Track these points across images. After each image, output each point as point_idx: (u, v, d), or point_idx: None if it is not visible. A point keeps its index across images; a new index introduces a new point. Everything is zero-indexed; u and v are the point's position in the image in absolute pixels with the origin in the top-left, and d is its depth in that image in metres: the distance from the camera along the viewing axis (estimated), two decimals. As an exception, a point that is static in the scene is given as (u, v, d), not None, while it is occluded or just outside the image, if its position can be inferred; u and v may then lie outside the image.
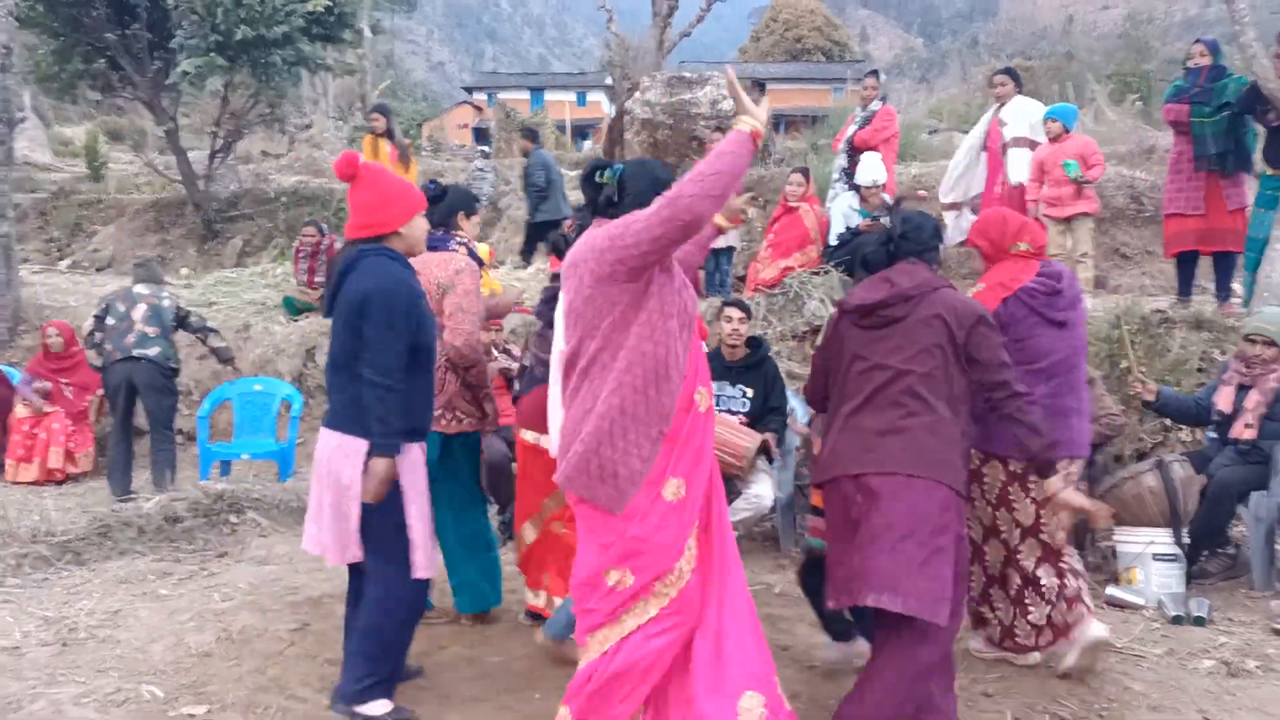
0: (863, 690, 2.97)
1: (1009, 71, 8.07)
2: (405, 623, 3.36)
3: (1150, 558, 4.58)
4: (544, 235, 10.78)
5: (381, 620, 3.28)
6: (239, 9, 11.57)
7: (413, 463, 3.29)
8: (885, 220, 3.39)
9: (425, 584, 3.36)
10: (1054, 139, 7.29)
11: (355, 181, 3.32)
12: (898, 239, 3.32)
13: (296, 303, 9.10)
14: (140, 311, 6.76)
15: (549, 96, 48.79)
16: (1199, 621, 4.24)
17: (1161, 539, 4.61)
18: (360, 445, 3.17)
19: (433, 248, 4.13)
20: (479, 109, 46.66)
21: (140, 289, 6.95)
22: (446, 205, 4.27)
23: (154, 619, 4.30)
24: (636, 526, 2.63)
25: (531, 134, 10.92)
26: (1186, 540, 4.75)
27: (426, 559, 3.30)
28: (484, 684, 3.65)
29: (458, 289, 4.03)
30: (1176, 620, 4.26)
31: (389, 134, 9.52)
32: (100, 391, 7.67)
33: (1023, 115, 7.63)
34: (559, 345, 3.09)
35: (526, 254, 10.69)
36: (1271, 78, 6.37)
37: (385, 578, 3.28)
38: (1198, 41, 7.10)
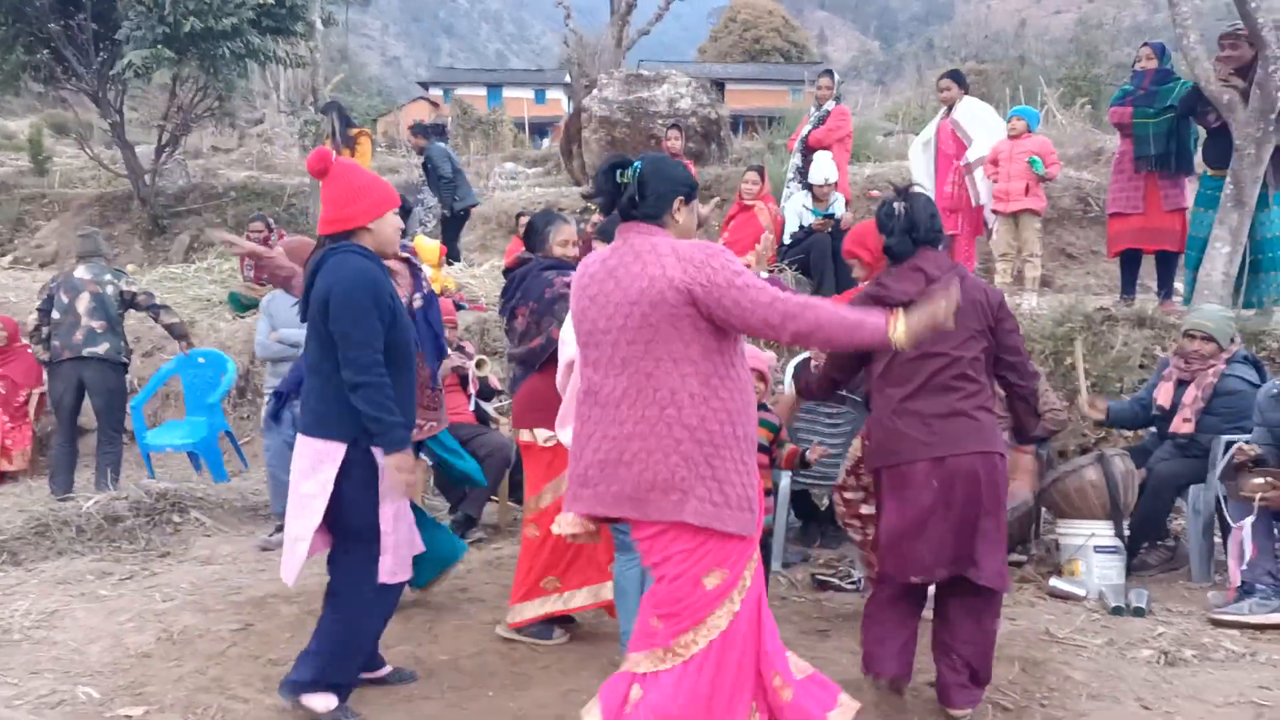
0: (960, 658, 3.29)
1: (953, 75, 8.16)
2: (365, 629, 3.30)
3: (1091, 550, 4.65)
4: (463, 225, 10.67)
5: (340, 621, 3.22)
6: (187, 0, 11.37)
7: None
8: (898, 205, 3.38)
9: (392, 591, 3.31)
10: (1015, 136, 7.39)
11: (327, 177, 3.27)
12: (926, 226, 3.33)
13: (242, 298, 8.96)
14: (85, 303, 6.39)
15: (507, 93, 48.56)
16: (1138, 612, 4.31)
17: (1102, 531, 4.69)
18: (336, 450, 3.12)
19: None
20: (435, 105, 46.29)
21: (81, 273, 6.55)
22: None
23: (92, 619, 4.22)
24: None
25: (422, 130, 10.75)
26: (1127, 533, 4.83)
27: (395, 564, 3.24)
28: (432, 682, 3.62)
29: None
30: (1117, 611, 4.33)
31: (331, 134, 9.49)
32: (40, 389, 7.48)
33: (977, 120, 7.70)
34: (569, 349, 3.12)
35: (454, 243, 10.48)
36: (1212, 80, 6.51)
37: (351, 578, 3.23)
38: (1145, 45, 7.24)
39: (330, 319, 3.07)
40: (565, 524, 2.85)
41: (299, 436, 3.23)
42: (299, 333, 4.97)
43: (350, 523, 3.17)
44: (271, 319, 5.71)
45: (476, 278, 9.45)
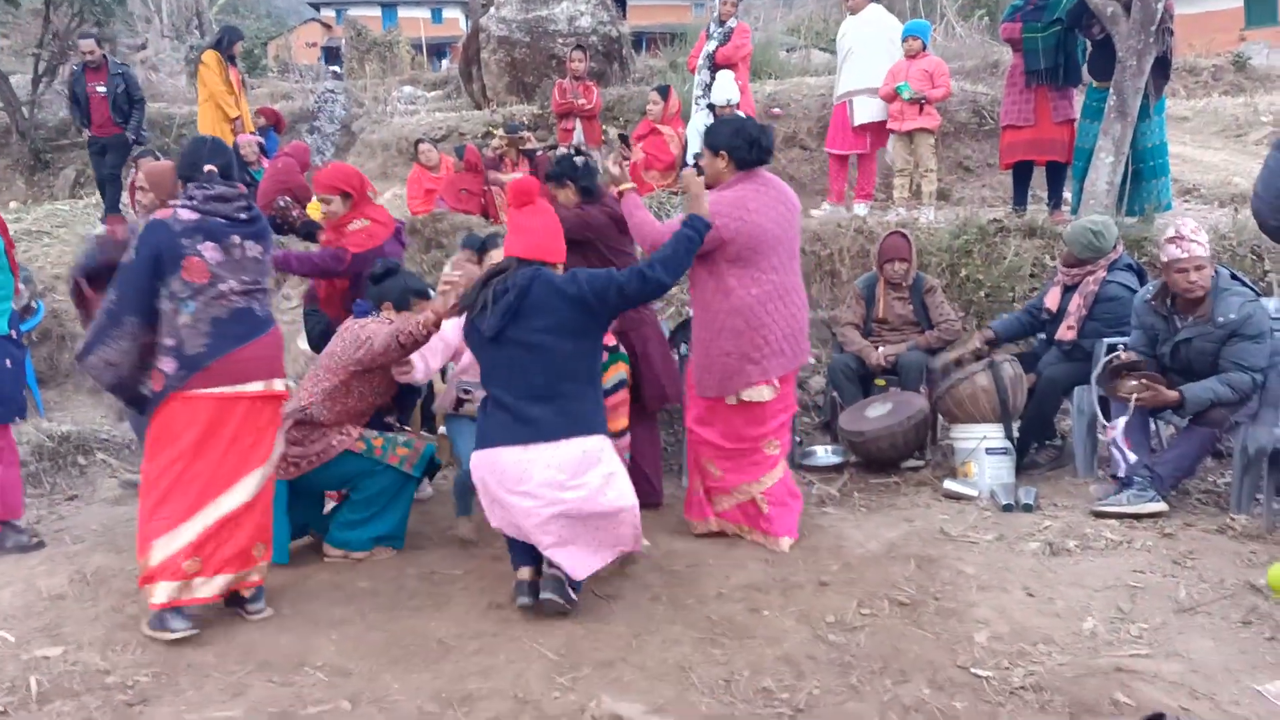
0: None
1: None
2: None
3: (983, 452, 4.90)
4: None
5: None
6: (54, -82, 10.71)
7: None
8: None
9: None
10: (912, 56, 7.53)
11: (532, 206, 3.56)
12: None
13: (135, 234, 8.66)
14: None
15: (402, 13, 46.92)
16: (1027, 508, 4.56)
17: (993, 434, 4.94)
18: (605, 441, 3.48)
19: (364, 313, 4.24)
20: (328, 27, 44.52)
21: None
22: (379, 291, 4.25)
23: (1, 565, 4.15)
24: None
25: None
26: (1017, 434, 5.10)
27: None
28: (353, 607, 3.68)
29: (360, 334, 4.08)
30: (1007, 508, 4.57)
31: (233, 59, 9.20)
32: None
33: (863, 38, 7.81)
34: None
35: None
36: (1096, -9, 6.69)
37: None
38: (1032, -42, 7.35)
39: (610, 295, 3.45)
40: (766, 393, 4.10)
41: (549, 445, 3.40)
42: None
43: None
44: None
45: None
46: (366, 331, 4.04)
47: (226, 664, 3.21)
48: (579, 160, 4.77)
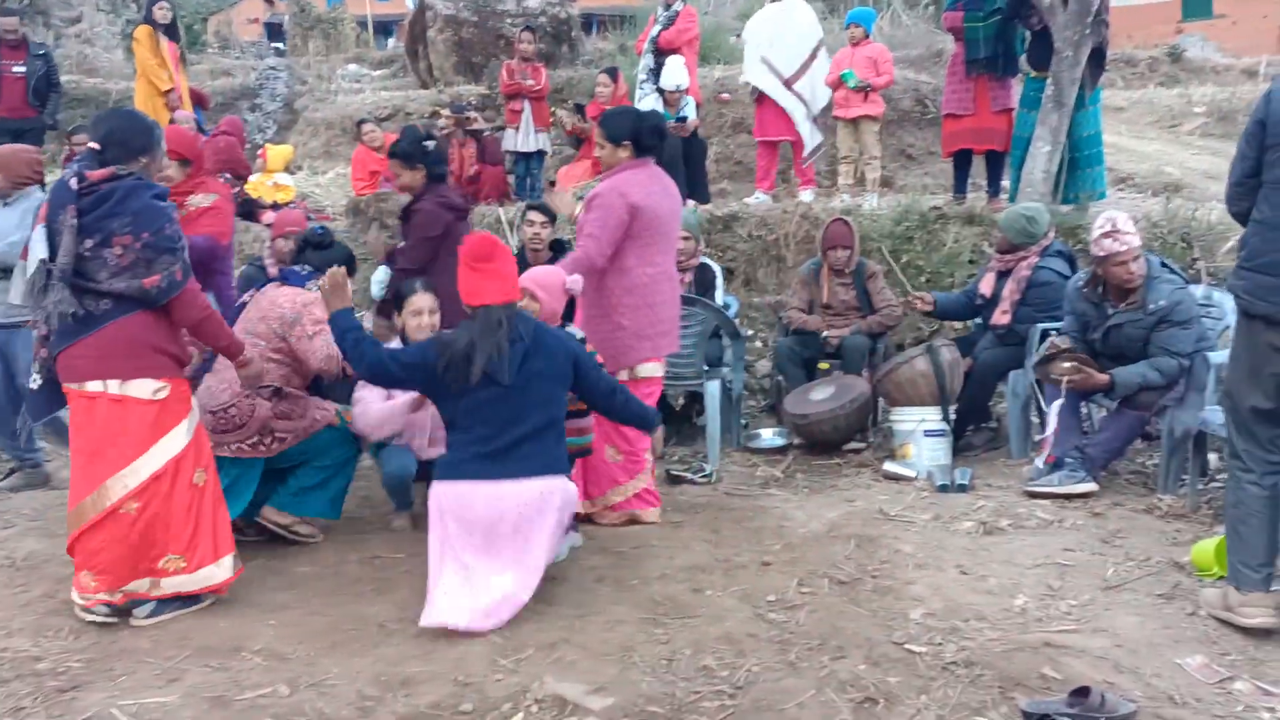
0: None
1: None
2: None
3: (921, 434, 5.00)
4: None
5: None
6: (-19, -116, 10.35)
7: None
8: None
9: None
10: (855, 44, 7.61)
11: (496, 257, 3.47)
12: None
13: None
14: None
15: (348, -10, 46.09)
16: (962, 489, 4.66)
17: (931, 417, 5.04)
18: (567, 483, 3.53)
19: (285, 280, 4.09)
20: (270, 2, 43.58)
21: None
22: (325, 258, 4.13)
23: (-73, 553, 4.05)
24: None
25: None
26: (954, 417, 5.20)
27: None
28: (293, 593, 3.65)
29: (305, 319, 3.95)
30: (943, 489, 4.67)
31: (171, 30, 8.93)
32: None
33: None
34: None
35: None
36: (1035, -17, 6.79)
37: None
38: (973, -52, 7.44)
39: (584, 367, 3.64)
40: (657, 369, 4.28)
41: (509, 482, 3.36)
42: None
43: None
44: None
45: (321, 187, 9.17)
46: (312, 318, 3.97)
47: (162, 649, 3.17)
48: (429, 145, 4.91)
